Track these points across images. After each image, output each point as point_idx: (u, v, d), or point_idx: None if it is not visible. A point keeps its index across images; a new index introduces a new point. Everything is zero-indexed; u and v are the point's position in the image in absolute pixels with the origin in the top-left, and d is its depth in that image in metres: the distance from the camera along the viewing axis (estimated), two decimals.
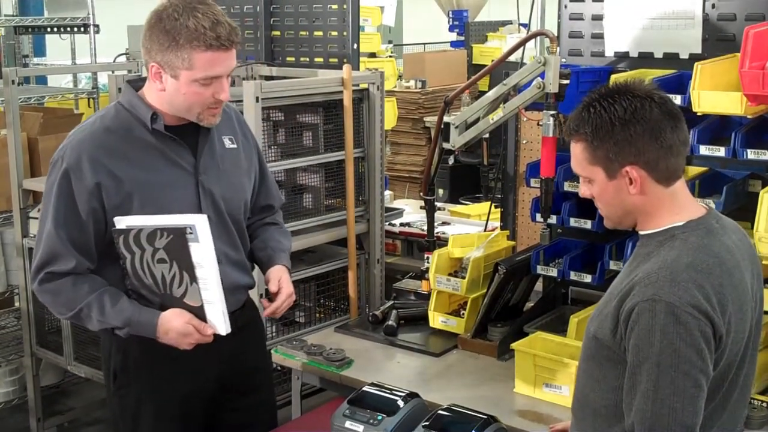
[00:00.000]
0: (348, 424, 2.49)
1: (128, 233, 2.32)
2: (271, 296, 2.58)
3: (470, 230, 4.43)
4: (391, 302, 3.55)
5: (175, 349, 2.38)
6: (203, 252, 2.26)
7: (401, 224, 4.81)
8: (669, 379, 1.78)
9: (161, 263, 2.31)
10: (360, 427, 2.46)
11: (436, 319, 3.30)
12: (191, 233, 2.24)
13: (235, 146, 2.56)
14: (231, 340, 2.47)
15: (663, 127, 1.88)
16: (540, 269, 3.14)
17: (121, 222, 2.32)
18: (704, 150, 2.74)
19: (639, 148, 1.87)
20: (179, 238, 2.25)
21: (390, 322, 3.34)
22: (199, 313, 2.33)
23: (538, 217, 3.09)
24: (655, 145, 1.87)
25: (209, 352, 2.44)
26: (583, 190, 2.01)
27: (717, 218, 1.97)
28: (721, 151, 2.72)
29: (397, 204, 5.37)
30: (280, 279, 2.56)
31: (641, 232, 1.97)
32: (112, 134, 2.38)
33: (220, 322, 2.33)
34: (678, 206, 1.94)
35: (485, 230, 3.99)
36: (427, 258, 3.49)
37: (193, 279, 2.29)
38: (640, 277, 1.85)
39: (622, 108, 1.87)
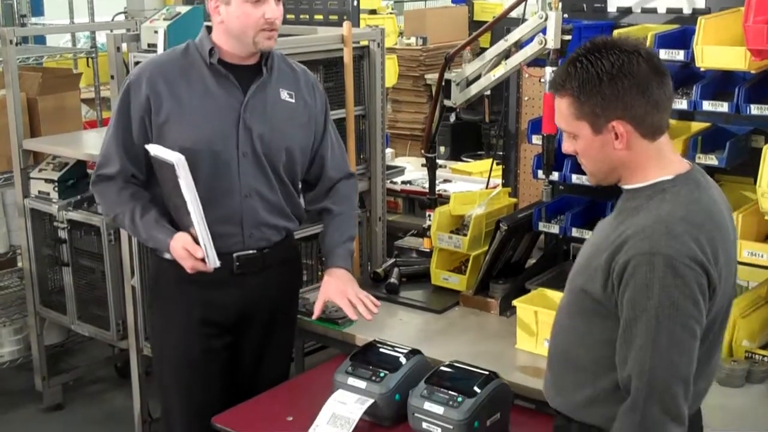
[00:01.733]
0: (350, 380, 2.50)
1: (154, 159, 2.56)
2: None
3: (472, 188, 4.42)
4: (392, 260, 3.55)
5: (203, 276, 2.57)
6: (186, 189, 2.45)
7: (403, 182, 4.82)
8: (667, 332, 1.79)
9: (174, 192, 2.52)
10: (362, 384, 2.47)
11: (438, 277, 3.30)
12: (177, 169, 2.42)
13: (292, 101, 2.72)
14: (257, 276, 2.71)
15: (650, 82, 1.87)
16: (542, 226, 3.14)
17: (150, 149, 2.56)
18: (707, 105, 2.73)
19: (626, 102, 1.86)
20: (172, 173, 2.44)
21: (392, 280, 3.35)
22: (197, 242, 2.53)
23: (540, 173, 3.08)
24: (642, 100, 1.86)
25: (234, 284, 2.68)
26: (567, 146, 2.00)
27: (701, 173, 1.98)
28: (724, 107, 2.71)
29: (399, 162, 5.37)
30: (329, 295, 2.77)
31: (626, 187, 1.97)
32: (175, 64, 2.64)
33: (206, 255, 2.51)
34: (664, 161, 1.93)
35: (487, 187, 3.94)
36: (429, 216, 3.48)
37: (188, 212, 2.46)
38: (634, 230, 1.85)
39: (610, 63, 1.85)
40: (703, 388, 1.98)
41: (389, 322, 3.10)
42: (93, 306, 4.06)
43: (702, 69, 2.72)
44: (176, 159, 2.44)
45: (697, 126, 2.95)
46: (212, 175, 2.59)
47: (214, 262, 2.53)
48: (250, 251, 2.69)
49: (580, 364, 1.99)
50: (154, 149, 2.55)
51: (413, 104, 6.72)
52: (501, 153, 3.81)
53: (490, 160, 4.12)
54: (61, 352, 4.80)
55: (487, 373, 2.42)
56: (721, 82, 2.81)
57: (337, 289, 2.76)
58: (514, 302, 2.87)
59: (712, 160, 2.75)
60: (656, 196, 1.89)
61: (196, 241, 2.52)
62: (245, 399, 2.72)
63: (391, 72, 5.27)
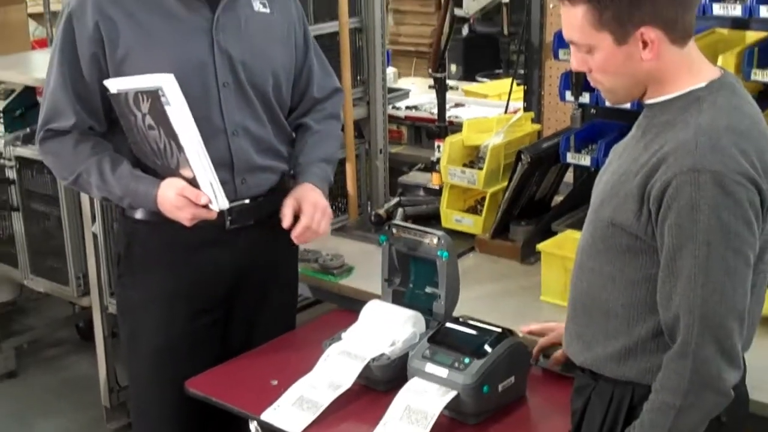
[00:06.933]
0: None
1: (119, 97, 2.45)
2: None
3: (488, 113, 4.42)
4: (396, 199, 3.56)
5: (190, 236, 2.52)
6: (178, 117, 2.38)
7: (407, 107, 4.82)
8: (719, 259, 1.81)
9: (152, 130, 2.44)
10: None
11: (449, 218, 3.31)
12: (163, 96, 2.35)
13: (267, 11, 2.65)
14: (252, 230, 2.66)
15: None
16: (570, 157, 3.12)
17: (112, 86, 2.45)
18: (765, 11, 2.70)
19: (656, 4, 1.85)
20: (156, 101, 2.36)
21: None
22: (194, 184, 2.46)
23: (569, 95, 3.07)
24: (674, 1, 1.87)
25: (227, 243, 2.63)
26: (578, 62, 2.00)
27: (734, 78, 1.99)
28: None
29: (402, 83, 5.36)
30: (299, 198, 2.63)
31: (652, 101, 1.97)
32: None
33: (212, 195, 2.45)
34: (695, 67, 1.94)
35: (506, 112, 3.97)
36: (438, 146, 3.48)
37: (180, 147, 2.41)
38: (672, 147, 1.86)
39: None
40: (748, 336, 1.97)
41: None
42: (49, 257, 4.06)
43: None
44: (164, 81, 2.34)
45: (753, 36, 2.92)
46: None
47: (223, 202, 2.46)
48: (244, 201, 2.64)
49: (611, 311, 2.00)
50: (121, 83, 2.42)
51: (419, 15, 6.68)
52: (522, 71, 3.79)
53: (510, 79, 4.11)
54: (12, 312, 4.82)
55: (499, 330, 2.42)
56: None
57: (309, 197, 2.66)
58: (539, 247, 2.87)
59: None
60: (691, 107, 1.90)
61: (191, 184, 2.45)
62: None
63: None
